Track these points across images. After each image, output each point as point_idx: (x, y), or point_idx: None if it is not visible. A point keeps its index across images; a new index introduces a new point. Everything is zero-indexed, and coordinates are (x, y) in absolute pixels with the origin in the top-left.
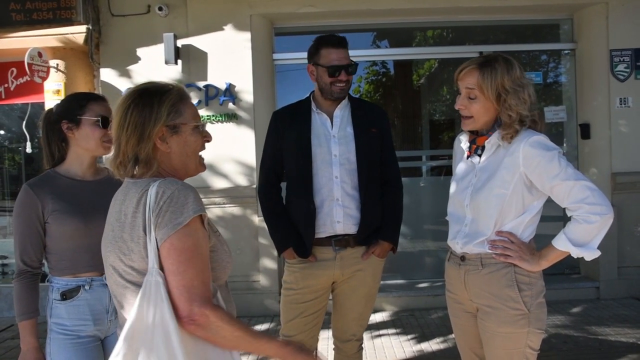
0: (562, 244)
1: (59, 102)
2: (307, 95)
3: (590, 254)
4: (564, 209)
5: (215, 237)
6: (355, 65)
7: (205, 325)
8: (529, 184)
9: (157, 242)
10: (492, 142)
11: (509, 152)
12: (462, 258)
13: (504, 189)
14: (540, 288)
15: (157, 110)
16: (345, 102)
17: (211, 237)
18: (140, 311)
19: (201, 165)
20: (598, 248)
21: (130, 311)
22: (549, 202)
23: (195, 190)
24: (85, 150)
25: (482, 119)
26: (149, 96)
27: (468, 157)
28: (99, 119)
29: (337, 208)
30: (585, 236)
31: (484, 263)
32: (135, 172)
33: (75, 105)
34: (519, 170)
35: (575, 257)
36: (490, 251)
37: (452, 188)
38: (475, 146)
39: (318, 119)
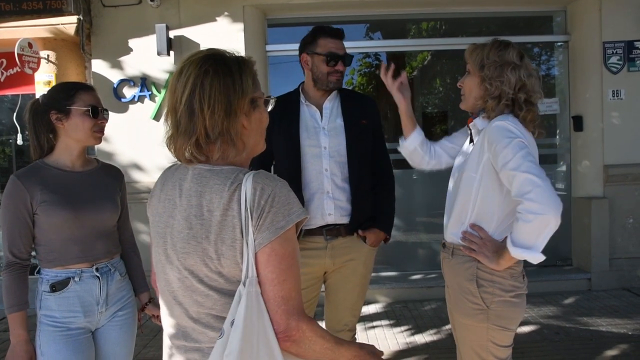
0: (507, 243)
1: (45, 92)
2: (296, 87)
3: (533, 258)
4: None
5: None
6: (351, 57)
7: (299, 341)
8: (493, 170)
9: (254, 247)
10: (474, 127)
11: (480, 136)
12: (443, 245)
13: (473, 172)
14: (508, 287)
15: (240, 80)
16: (334, 93)
17: None
18: (245, 329)
19: (265, 144)
20: (593, 244)
21: (231, 329)
22: None
23: None
24: (76, 140)
25: (472, 94)
26: (226, 63)
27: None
28: (89, 108)
29: (328, 200)
30: (525, 237)
31: (454, 253)
32: (208, 157)
33: (64, 95)
34: (485, 154)
35: (518, 258)
36: (460, 242)
37: (451, 179)
38: (470, 130)
39: (307, 111)
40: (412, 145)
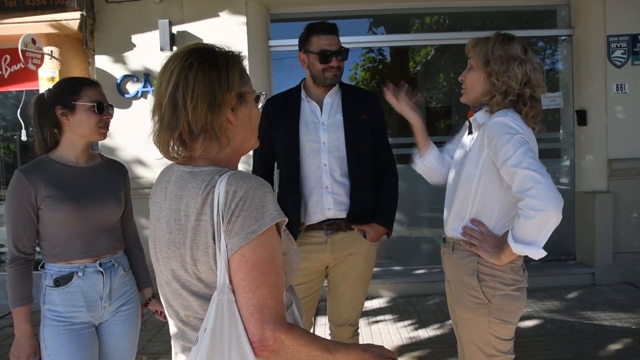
0: (509, 239)
1: (50, 87)
2: (298, 83)
3: (534, 253)
4: None
5: (287, 238)
6: (346, 50)
7: (278, 351)
8: (493, 167)
9: (227, 253)
10: (475, 121)
11: (480, 131)
12: (444, 240)
13: (474, 168)
14: (509, 281)
15: (226, 73)
16: (335, 89)
17: (284, 240)
18: (214, 337)
19: (257, 141)
20: (597, 238)
21: (203, 337)
22: None
23: (271, 188)
24: (80, 136)
25: (475, 88)
26: (213, 57)
27: (468, 135)
28: (95, 104)
29: (327, 195)
30: (526, 233)
31: (455, 248)
32: (191, 154)
33: (69, 90)
34: (485, 150)
35: (518, 254)
36: (461, 237)
37: (451, 172)
38: (469, 123)
39: (307, 106)
40: (431, 162)
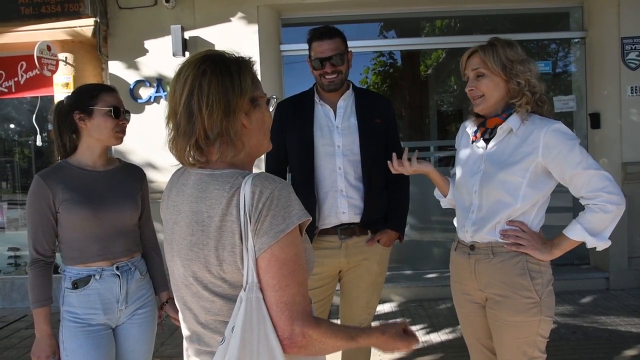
0: (578, 234)
1: (69, 94)
2: (311, 86)
3: (603, 244)
4: (573, 199)
5: (304, 237)
6: (339, 55)
7: (307, 345)
8: (543, 172)
9: (254, 252)
10: (504, 127)
11: (527, 141)
12: (472, 247)
13: (521, 177)
14: (549, 276)
15: (239, 79)
16: (349, 92)
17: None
18: (244, 335)
19: (270, 144)
20: (611, 242)
21: (231, 335)
22: (558, 192)
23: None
24: (98, 140)
25: (493, 95)
26: (225, 63)
27: (473, 142)
28: (111, 109)
29: (342, 199)
30: (599, 225)
31: (495, 252)
32: (208, 158)
33: (87, 95)
34: (536, 159)
35: (589, 246)
36: (501, 240)
37: (458, 174)
38: (483, 129)
39: (321, 110)
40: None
